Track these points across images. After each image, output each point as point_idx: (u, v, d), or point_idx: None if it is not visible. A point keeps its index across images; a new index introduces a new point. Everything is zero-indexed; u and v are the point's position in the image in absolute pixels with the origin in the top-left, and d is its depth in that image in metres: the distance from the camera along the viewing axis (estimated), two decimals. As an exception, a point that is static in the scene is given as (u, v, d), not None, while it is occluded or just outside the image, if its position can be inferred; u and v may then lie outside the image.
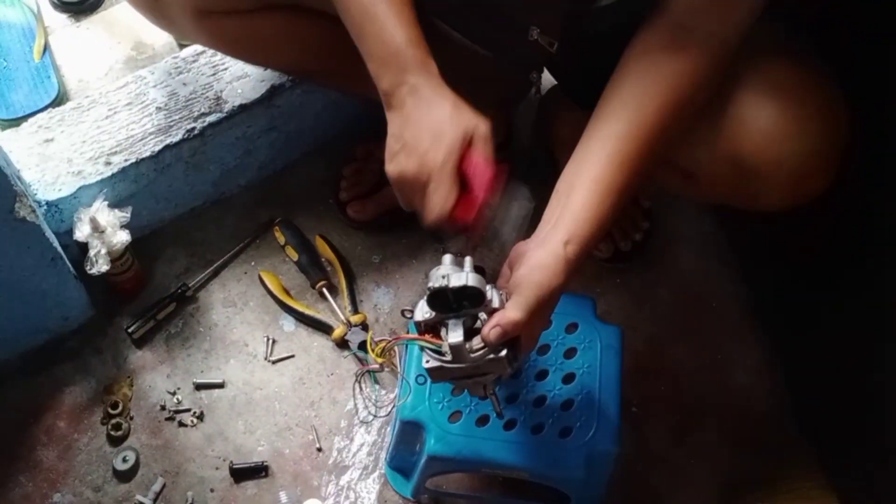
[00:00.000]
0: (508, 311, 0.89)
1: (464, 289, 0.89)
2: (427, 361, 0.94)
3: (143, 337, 1.39)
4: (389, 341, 1.02)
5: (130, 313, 1.41)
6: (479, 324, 0.92)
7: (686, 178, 1.14)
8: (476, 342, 0.91)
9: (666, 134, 0.99)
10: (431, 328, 0.94)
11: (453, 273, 0.90)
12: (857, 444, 1.26)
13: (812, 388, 1.35)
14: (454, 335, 0.91)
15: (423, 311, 0.93)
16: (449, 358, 0.92)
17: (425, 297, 0.92)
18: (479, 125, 0.96)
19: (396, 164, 0.98)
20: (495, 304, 0.91)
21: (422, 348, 0.95)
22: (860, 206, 1.17)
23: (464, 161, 0.95)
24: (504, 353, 0.91)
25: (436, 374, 0.95)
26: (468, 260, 0.93)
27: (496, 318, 0.89)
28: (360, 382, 1.36)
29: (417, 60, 0.97)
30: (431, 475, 1.20)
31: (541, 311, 0.92)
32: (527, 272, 0.92)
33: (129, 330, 1.38)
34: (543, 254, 0.93)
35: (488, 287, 0.91)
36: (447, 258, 0.93)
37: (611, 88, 1.01)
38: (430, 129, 0.95)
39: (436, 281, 0.89)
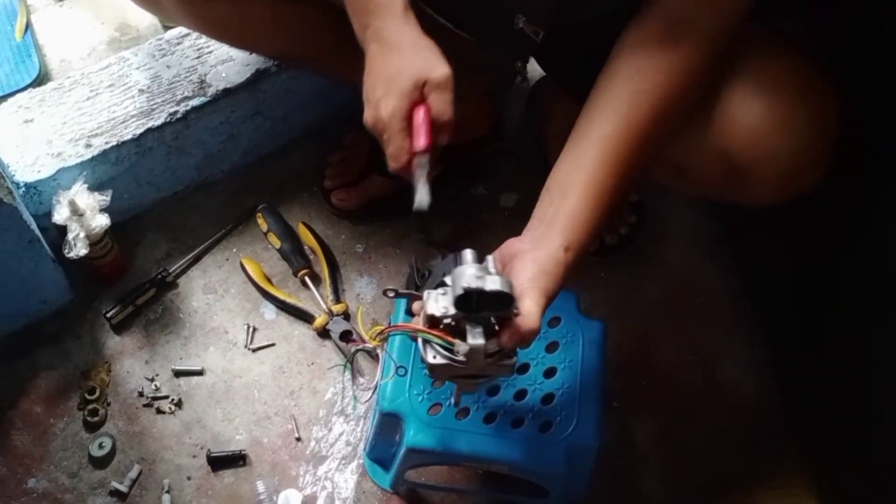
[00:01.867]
0: (528, 319, 0.87)
1: (497, 293, 0.85)
2: (434, 357, 0.90)
3: (122, 322, 1.38)
4: (390, 328, 0.97)
5: (110, 298, 1.39)
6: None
7: (676, 173, 1.13)
8: (491, 346, 0.88)
9: (660, 132, 0.98)
10: (437, 323, 0.90)
11: (487, 275, 0.86)
12: (844, 442, 1.25)
13: (800, 385, 1.35)
14: (475, 338, 0.87)
15: (440, 307, 0.88)
16: (462, 359, 0.88)
17: (449, 294, 0.87)
18: (434, 69, 0.93)
19: (364, 115, 0.96)
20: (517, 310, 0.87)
21: (427, 342, 0.90)
22: (854, 201, 1.16)
23: (413, 113, 0.92)
24: (514, 358, 0.90)
25: (438, 371, 0.92)
26: (490, 258, 0.90)
27: (516, 325, 0.87)
28: (351, 363, 1.34)
29: (382, 2, 0.95)
30: (410, 467, 1.19)
31: (544, 314, 0.91)
32: (533, 277, 0.90)
33: (108, 315, 1.36)
34: (545, 258, 0.92)
35: None
36: (469, 255, 0.89)
37: (602, 84, 0.99)
38: (384, 76, 0.93)
39: (469, 281, 0.85)
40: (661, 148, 1.01)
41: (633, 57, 0.97)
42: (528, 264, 0.91)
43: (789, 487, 1.32)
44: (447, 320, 0.89)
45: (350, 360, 1.30)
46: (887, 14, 1.03)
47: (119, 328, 1.38)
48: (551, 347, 1.16)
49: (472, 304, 0.86)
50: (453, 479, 1.28)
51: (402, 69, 0.93)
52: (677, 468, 1.33)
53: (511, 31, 1.06)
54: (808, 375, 1.33)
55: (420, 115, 0.92)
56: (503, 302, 0.86)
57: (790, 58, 1.03)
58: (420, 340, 0.92)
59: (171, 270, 1.41)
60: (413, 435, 1.10)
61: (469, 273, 0.86)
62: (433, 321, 0.90)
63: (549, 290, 0.90)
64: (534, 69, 1.37)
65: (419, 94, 0.93)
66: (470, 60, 1.11)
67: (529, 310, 0.87)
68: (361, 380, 1.36)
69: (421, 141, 0.92)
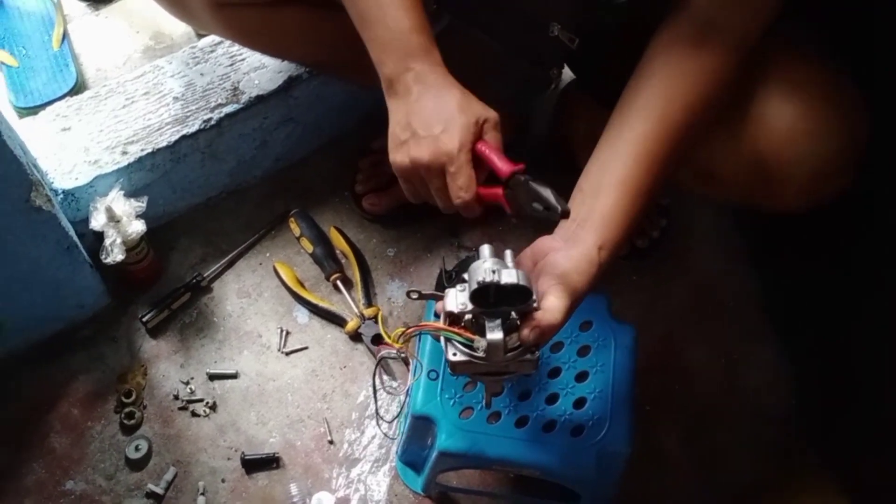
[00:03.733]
0: (549, 313, 0.87)
1: (513, 287, 0.85)
2: (454, 354, 0.90)
3: (158, 326, 1.40)
4: (411, 328, 0.95)
5: (145, 302, 1.41)
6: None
7: (705, 178, 1.12)
8: (511, 341, 0.88)
9: (691, 133, 0.98)
10: (458, 320, 0.90)
11: (503, 269, 0.85)
12: (867, 448, 1.24)
13: (824, 391, 1.34)
14: (494, 333, 0.86)
15: (458, 303, 0.88)
16: (482, 355, 0.88)
17: (466, 290, 0.87)
18: (490, 113, 0.95)
19: (405, 152, 0.95)
20: (536, 304, 0.87)
21: (448, 340, 0.90)
22: (879, 207, 1.15)
23: (477, 147, 0.93)
24: (537, 354, 0.90)
25: (460, 368, 0.92)
26: (509, 253, 0.90)
27: (536, 320, 0.86)
28: (379, 370, 1.33)
29: (422, 47, 0.96)
30: (442, 471, 1.20)
31: (572, 313, 0.91)
32: (561, 274, 0.90)
33: (144, 319, 1.38)
34: (578, 256, 0.91)
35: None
36: (487, 250, 0.89)
37: (635, 86, 1.00)
38: (439, 115, 0.93)
39: (484, 275, 0.84)
40: (691, 149, 1.01)
41: (667, 58, 0.98)
42: (559, 261, 0.91)
43: (815, 493, 1.31)
44: (467, 316, 0.89)
45: (377, 364, 1.30)
46: (885, 15, 1.03)
47: (154, 332, 1.40)
48: (583, 351, 1.16)
49: (490, 299, 0.86)
50: (485, 483, 1.29)
51: (463, 107, 0.93)
52: (705, 473, 1.33)
53: (546, 39, 1.07)
54: (832, 381, 1.32)
55: (490, 146, 0.93)
56: (521, 295, 0.85)
57: (818, 61, 1.02)
58: (442, 339, 0.92)
59: (205, 275, 1.43)
60: (445, 438, 1.10)
61: (485, 267, 0.85)
62: (454, 318, 0.90)
63: (576, 287, 0.90)
64: (563, 73, 1.38)
65: (480, 131, 0.93)
66: (504, 69, 1.12)
67: (552, 304, 0.87)
68: (393, 384, 1.37)
69: (510, 163, 0.91)
